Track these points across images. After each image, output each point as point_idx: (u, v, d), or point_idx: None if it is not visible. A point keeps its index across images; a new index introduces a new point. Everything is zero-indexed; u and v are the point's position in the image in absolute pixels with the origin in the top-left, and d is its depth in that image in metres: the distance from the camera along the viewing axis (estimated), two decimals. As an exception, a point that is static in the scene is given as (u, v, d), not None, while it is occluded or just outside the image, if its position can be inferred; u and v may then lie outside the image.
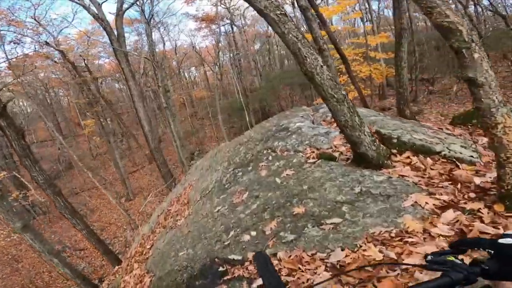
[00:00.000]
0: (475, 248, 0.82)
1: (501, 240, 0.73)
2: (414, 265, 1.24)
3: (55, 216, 21.03)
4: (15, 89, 32.79)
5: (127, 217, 14.80)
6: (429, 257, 0.86)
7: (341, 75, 12.48)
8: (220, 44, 27.02)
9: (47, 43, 16.50)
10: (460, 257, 0.81)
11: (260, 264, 1.00)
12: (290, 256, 2.22)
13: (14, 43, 18.87)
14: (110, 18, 14.74)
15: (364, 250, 1.93)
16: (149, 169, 24.96)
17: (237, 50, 19.49)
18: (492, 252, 0.75)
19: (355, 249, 2.00)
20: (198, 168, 8.10)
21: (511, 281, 0.75)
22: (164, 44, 26.05)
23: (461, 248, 0.86)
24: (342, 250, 2.03)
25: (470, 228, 1.81)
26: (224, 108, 22.35)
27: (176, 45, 32.96)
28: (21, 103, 44.36)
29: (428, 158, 2.77)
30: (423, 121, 9.53)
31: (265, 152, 4.22)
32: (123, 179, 20.02)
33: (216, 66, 16.20)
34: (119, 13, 13.41)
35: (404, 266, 1.64)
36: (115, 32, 13.04)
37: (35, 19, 17.09)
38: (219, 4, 17.80)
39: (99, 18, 12.74)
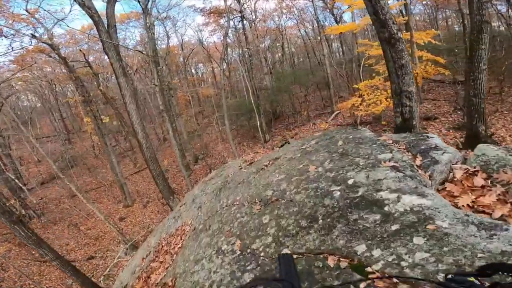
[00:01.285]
0: (500, 272, 0.73)
1: None
2: (432, 281, 1.00)
3: (49, 221, 18.87)
4: (21, 83, 31.00)
5: (118, 234, 12.43)
6: (449, 276, 0.78)
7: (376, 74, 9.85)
8: (228, 40, 24.42)
9: (33, 36, 14.08)
10: (484, 281, 0.73)
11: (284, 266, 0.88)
12: None
13: (5, 37, 16.57)
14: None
15: None
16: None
17: (247, 45, 16.85)
18: None
19: None
20: (196, 203, 5.76)
21: None
22: (168, 38, 23.48)
23: (487, 272, 0.76)
24: None
25: None
26: (232, 108, 19.83)
27: (182, 40, 30.42)
28: (29, 97, 42.44)
29: None
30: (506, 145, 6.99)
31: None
32: (120, 184, 17.67)
33: (224, 62, 13.41)
34: (111, 0, 10.88)
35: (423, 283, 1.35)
36: (105, 22, 10.52)
37: (27, 11, 14.82)
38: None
39: (86, 6, 10.24)
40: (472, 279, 0.72)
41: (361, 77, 11.59)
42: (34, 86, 32.82)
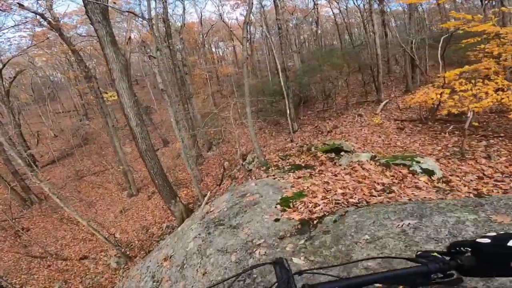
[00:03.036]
0: (458, 248, 0.75)
1: (479, 240, 0.69)
2: (403, 258, 0.91)
3: (51, 207, 16.42)
4: (46, 59, 28.65)
5: (105, 241, 9.58)
6: (419, 253, 0.80)
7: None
8: (252, 17, 20.67)
9: (20, 5, 11.04)
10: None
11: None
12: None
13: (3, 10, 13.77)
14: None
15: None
16: (162, 153, 19.77)
17: (277, 15, 13.17)
18: (470, 249, 0.71)
19: None
20: (186, 280, 2.55)
21: (482, 277, 0.72)
22: (184, 9, 19.98)
23: (452, 251, 0.77)
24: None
25: None
26: (254, 89, 16.38)
27: (201, 16, 26.82)
28: (53, 73, 40.41)
29: None
30: None
31: None
32: (124, 171, 14.90)
33: (246, 30, 9.69)
34: None
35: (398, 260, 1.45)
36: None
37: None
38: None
39: None
40: (435, 253, 0.73)
41: (443, 61, 7.89)
42: (52, 62, 30.60)
